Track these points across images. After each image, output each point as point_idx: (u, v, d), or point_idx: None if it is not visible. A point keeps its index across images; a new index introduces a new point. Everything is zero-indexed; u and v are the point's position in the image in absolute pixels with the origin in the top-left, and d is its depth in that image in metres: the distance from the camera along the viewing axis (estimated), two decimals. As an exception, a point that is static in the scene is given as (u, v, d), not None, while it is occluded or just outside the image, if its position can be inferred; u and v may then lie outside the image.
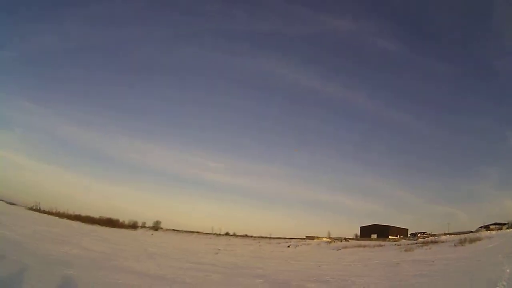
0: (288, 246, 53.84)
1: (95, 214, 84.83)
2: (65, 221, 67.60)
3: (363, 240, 59.83)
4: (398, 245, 44.63)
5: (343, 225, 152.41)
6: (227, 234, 78.89)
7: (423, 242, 44.39)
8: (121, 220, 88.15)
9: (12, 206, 74.66)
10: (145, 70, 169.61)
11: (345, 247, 47.60)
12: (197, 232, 79.56)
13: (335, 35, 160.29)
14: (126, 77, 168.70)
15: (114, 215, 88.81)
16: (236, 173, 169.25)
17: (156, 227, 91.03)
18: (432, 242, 43.83)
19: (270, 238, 66.93)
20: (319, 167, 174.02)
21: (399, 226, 73.31)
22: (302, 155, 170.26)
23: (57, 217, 71.63)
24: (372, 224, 79.31)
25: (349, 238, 63.44)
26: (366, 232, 77.20)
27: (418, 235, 59.90)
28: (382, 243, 49.13)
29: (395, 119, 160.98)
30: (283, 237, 65.30)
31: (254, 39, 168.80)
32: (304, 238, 62.77)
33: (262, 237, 68.71)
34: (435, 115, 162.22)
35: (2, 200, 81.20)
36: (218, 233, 79.52)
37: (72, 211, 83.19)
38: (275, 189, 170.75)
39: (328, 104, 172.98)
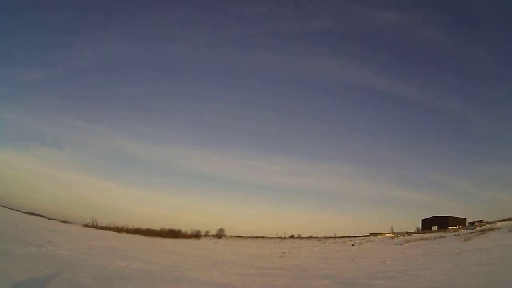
0: (353, 245, 55.33)
1: (157, 227, 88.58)
2: (124, 235, 68.87)
3: (424, 233, 60.53)
4: (457, 235, 45.35)
5: (405, 219, 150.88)
6: (291, 236, 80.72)
7: (480, 231, 44.91)
8: (183, 231, 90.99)
9: (66, 224, 75.96)
10: (198, 77, 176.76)
11: (408, 241, 48.52)
12: (262, 237, 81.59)
13: (383, 29, 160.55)
14: (177, 88, 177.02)
15: (176, 226, 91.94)
16: (297, 174, 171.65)
17: (219, 234, 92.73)
18: (488, 229, 44.35)
19: (334, 237, 68.32)
20: (378, 163, 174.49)
21: (458, 216, 72.97)
22: (361, 151, 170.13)
23: (115, 232, 73.89)
24: (432, 216, 79.19)
25: (411, 232, 63.93)
26: (427, 224, 77.28)
27: (476, 223, 59.90)
28: (443, 234, 49.74)
29: (447, 109, 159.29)
30: (347, 235, 66.51)
31: (305, 39, 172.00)
32: (368, 235, 63.66)
33: (326, 237, 70.11)
34: (487, 104, 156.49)
35: (55, 219, 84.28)
36: (282, 236, 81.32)
37: (132, 225, 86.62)
38: (337, 188, 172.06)
39: (382, 99, 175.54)
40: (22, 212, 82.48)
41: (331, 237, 69.00)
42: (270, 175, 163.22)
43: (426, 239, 47.26)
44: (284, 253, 46.18)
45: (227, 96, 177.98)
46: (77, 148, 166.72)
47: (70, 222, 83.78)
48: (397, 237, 58.47)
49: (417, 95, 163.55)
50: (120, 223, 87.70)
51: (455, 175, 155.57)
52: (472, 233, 44.24)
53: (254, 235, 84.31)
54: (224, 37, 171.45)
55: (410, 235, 58.91)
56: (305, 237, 76.78)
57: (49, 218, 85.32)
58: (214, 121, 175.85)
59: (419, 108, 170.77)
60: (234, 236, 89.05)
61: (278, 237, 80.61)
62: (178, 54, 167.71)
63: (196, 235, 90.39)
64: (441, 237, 46.86)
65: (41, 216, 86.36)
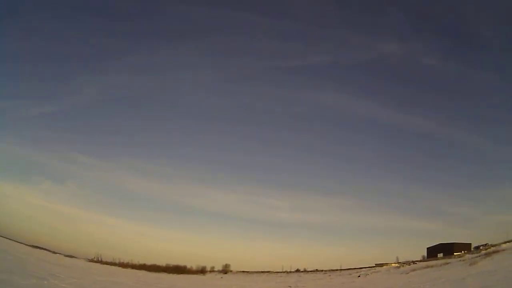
0: (359, 276, 54.99)
1: (162, 263, 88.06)
2: (129, 270, 68.81)
3: (430, 260, 60.34)
4: (463, 260, 45.37)
5: (410, 248, 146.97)
6: (297, 270, 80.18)
7: (485, 254, 45.05)
8: (189, 266, 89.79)
9: (70, 259, 75.60)
10: (202, 111, 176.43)
11: (414, 270, 48.33)
12: (268, 271, 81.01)
13: (384, 60, 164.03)
14: (180, 123, 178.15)
15: (182, 262, 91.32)
16: (301, 209, 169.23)
17: (225, 270, 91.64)
18: (493, 252, 44.47)
19: (340, 270, 67.89)
20: (381, 193, 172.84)
21: (463, 242, 72.81)
22: (363, 182, 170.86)
23: (120, 268, 74.40)
24: (437, 243, 78.95)
25: (417, 261, 63.74)
26: (432, 252, 76.73)
27: (481, 247, 59.80)
28: (448, 260, 49.89)
29: (448, 135, 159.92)
30: (353, 267, 66.09)
31: (309, 72, 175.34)
32: (374, 266, 63.38)
33: (332, 270, 69.62)
34: (488, 127, 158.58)
35: (60, 253, 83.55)
36: (288, 270, 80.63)
37: (137, 261, 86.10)
38: (340, 220, 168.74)
39: (383, 129, 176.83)
40: (26, 244, 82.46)
41: (336, 270, 68.44)
42: (273, 210, 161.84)
43: (432, 266, 47.20)
44: (290, 287, 46.38)
45: (230, 131, 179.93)
46: (81, 182, 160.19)
47: (74, 257, 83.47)
48: (403, 266, 58.19)
49: (417, 123, 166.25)
50: (125, 259, 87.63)
51: (459, 202, 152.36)
52: (477, 257, 44.40)
53: (260, 270, 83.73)
54: (227, 71, 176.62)
55: (416, 263, 58.69)
56: (310, 271, 76.14)
57: (54, 252, 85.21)
58: (218, 157, 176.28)
59: (420, 137, 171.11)
60: (240, 272, 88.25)
61: (284, 272, 79.94)
62: (182, 89, 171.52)
63: (202, 271, 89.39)
64: (447, 263, 46.90)
65: (45, 249, 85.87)
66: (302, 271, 78.38)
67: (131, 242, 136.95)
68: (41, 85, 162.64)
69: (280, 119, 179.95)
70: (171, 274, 75.04)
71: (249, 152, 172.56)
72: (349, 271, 63.28)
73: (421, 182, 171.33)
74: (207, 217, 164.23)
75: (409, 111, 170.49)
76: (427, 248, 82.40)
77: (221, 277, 75.99)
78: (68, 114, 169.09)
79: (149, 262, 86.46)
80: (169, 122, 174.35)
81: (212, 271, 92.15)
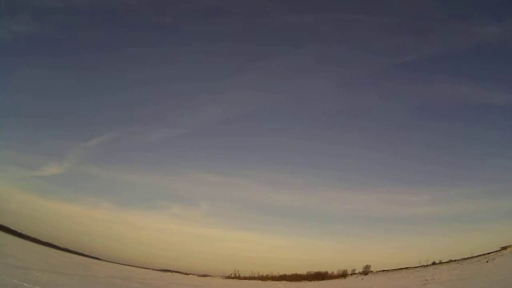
0: (487, 261, 55.56)
1: (303, 271, 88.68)
2: (269, 283, 72.75)
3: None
4: None
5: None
6: (433, 263, 79.42)
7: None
8: (330, 272, 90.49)
9: (206, 278, 78.50)
10: (325, 120, 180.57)
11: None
12: (405, 268, 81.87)
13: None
14: (305, 131, 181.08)
15: (322, 269, 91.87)
16: (438, 202, 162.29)
17: (366, 271, 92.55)
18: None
19: (470, 258, 66.80)
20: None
21: None
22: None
23: (259, 281, 78.26)
24: None
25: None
26: None
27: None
28: None
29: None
30: (478, 254, 65.04)
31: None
32: (499, 250, 61.69)
33: (464, 258, 68.63)
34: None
35: (193, 274, 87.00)
36: (425, 264, 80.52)
37: (276, 272, 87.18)
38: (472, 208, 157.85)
39: None
40: (154, 269, 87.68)
41: (467, 258, 67.71)
42: (411, 206, 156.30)
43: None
44: (427, 280, 48.94)
45: (354, 134, 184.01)
46: (213, 201, 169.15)
47: (210, 276, 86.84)
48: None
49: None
50: (263, 272, 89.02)
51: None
52: None
53: (399, 267, 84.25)
54: (341, 75, 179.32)
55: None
56: (445, 262, 75.38)
57: (186, 274, 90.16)
58: (350, 160, 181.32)
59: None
60: (380, 271, 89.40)
61: (421, 266, 79.84)
62: (300, 97, 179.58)
63: (343, 275, 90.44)
64: None
65: (176, 272, 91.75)
66: (437, 263, 77.57)
67: (269, 254, 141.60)
68: (154, 110, 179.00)
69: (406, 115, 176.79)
70: (312, 282, 78.58)
71: (381, 150, 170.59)
72: (478, 258, 62.69)
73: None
74: (344, 221, 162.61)
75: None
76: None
77: (362, 279, 78.28)
78: (190, 136, 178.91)
79: (288, 272, 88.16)
80: (294, 132, 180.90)
81: (353, 273, 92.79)
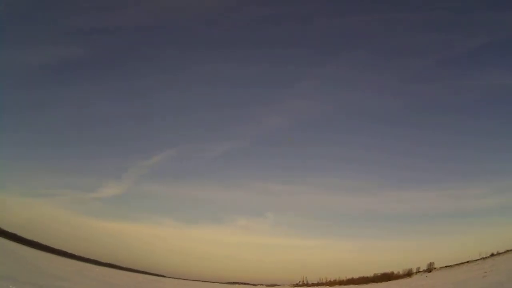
0: None
1: (369, 273, 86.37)
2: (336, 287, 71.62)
3: None
4: None
5: None
6: (492, 255, 79.86)
7: None
8: (395, 272, 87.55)
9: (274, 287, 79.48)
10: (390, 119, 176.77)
11: None
12: (467, 262, 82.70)
13: None
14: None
15: (388, 269, 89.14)
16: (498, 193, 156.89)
17: (430, 268, 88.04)
18: None
19: None
20: None
21: None
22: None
23: (327, 286, 77.85)
24: None
25: None
26: None
27: None
28: None
29: None
30: None
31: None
32: None
33: None
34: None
35: (261, 284, 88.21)
36: (484, 256, 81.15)
37: (344, 276, 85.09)
38: None
39: None
40: (222, 283, 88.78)
41: None
42: (469, 199, 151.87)
43: None
44: (486, 272, 48.61)
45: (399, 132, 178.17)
46: (278, 211, 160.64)
47: (278, 285, 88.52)
48: None
49: None
50: (331, 277, 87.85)
51: None
52: None
53: (460, 261, 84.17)
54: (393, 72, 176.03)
55: None
56: (502, 252, 75.36)
57: (254, 285, 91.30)
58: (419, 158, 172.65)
59: None
60: (443, 267, 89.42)
61: (481, 258, 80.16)
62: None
63: (408, 274, 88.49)
64: None
65: (245, 284, 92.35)
66: (495, 254, 77.88)
67: (335, 259, 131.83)
68: (214, 124, 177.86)
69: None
70: (379, 283, 78.07)
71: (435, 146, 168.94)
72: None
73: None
74: (407, 219, 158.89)
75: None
76: None
77: (426, 276, 77.31)
78: (251, 147, 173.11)
79: (356, 275, 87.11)
80: (353, 134, 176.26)
81: (418, 272, 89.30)
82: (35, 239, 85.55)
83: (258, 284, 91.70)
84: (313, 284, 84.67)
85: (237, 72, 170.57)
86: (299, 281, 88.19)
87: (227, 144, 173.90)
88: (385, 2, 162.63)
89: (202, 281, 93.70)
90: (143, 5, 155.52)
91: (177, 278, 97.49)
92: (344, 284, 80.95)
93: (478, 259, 79.20)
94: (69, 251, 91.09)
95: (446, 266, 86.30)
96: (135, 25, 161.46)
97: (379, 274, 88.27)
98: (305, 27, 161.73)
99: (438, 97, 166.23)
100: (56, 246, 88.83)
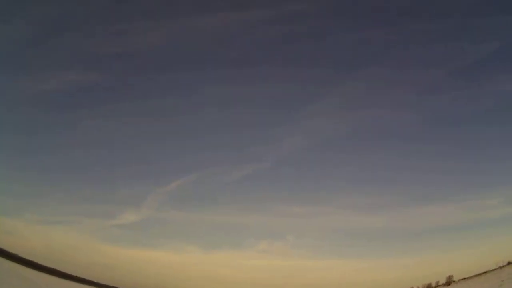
0: None
1: None
2: None
3: None
4: None
5: None
6: (509, 263, 79.84)
7: None
8: (414, 287, 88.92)
9: None
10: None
11: None
12: (484, 272, 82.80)
13: None
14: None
15: (407, 285, 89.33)
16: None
17: (448, 281, 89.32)
18: None
19: None
20: None
21: None
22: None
23: None
24: None
25: None
26: None
27: None
28: None
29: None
30: None
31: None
32: None
33: None
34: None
35: None
36: (501, 265, 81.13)
37: None
38: None
39: None
40: None
41: None
42: (483, 210, 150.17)
43: None
44: (503, 281, 49.94)
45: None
46: (299, 232, 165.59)
47: None
48: None
49: None
50: None
51: None
52: None
53: (478, 272, 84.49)
54: None
55: None
56: None
57: None
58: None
59: None
60: (461, 279, 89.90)
61: (498, 268, 79.96)
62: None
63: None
64: None
65: None
66: None
67: (353, 278, 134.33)
68: (233, 148, 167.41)
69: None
70: None
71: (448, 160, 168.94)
72: None
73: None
74: (424, 234, 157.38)
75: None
76: None
77: None
78: (271, 169, 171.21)
79: None
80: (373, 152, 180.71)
81: (437, 286, 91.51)
82: (54, 267, 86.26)
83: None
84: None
85: (254, 94, 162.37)
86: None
87: (247, 167, 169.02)
88: (395, 15, 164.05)
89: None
90: (158, 28, 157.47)
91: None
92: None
93: (495, 269, 79.67)
94: (89, 278, 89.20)
95: (464, 278, 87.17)
96: (149, 49, 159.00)
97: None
98: (319, 45, 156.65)
99: (451, 108, 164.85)
100: (75, 274, 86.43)
